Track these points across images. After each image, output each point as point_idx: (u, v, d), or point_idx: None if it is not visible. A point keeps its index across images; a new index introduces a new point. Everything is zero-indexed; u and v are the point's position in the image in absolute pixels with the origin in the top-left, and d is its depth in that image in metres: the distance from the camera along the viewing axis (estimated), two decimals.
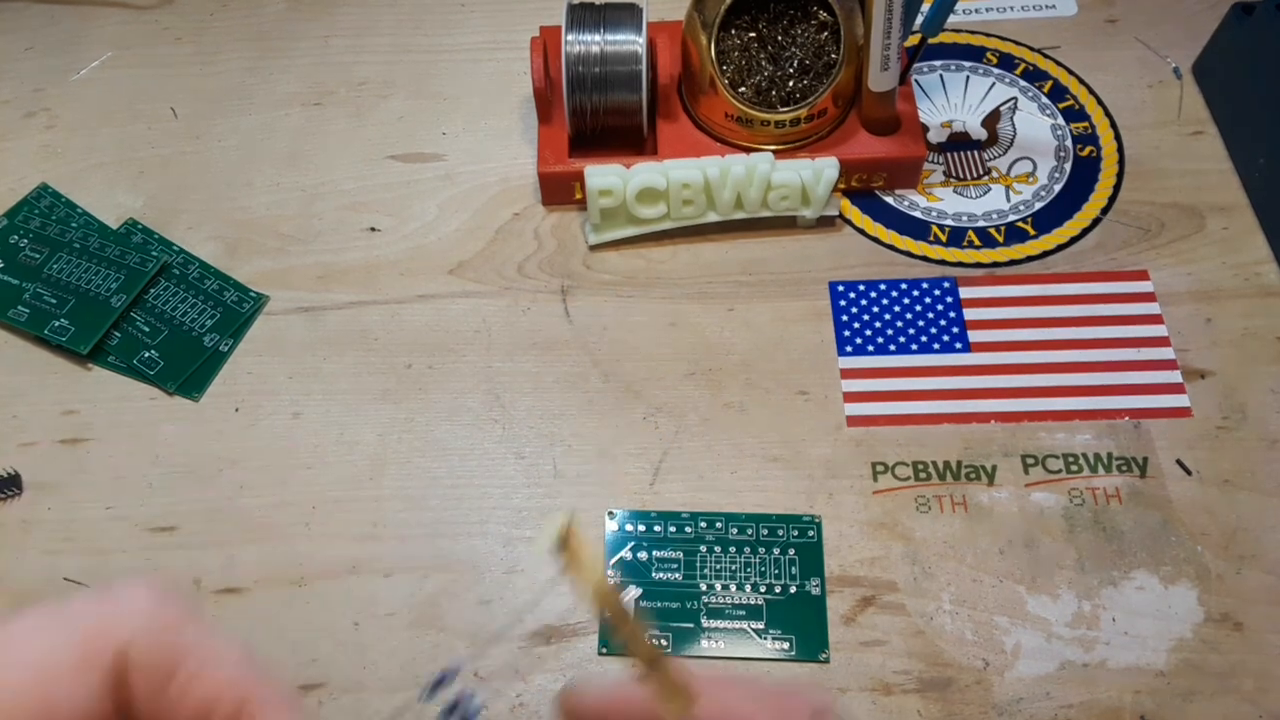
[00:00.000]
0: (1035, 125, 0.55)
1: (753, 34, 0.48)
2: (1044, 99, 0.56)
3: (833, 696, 0.38)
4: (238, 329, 0.49)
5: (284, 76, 0.59)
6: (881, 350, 0.48)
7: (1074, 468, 0.44)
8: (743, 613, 0.41)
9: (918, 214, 0.52)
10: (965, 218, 0.52)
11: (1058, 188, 0.53)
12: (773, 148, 0.50)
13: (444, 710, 0.24)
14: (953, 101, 0.56)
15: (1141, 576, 0.41)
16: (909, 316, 0.48)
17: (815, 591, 0.41)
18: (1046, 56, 0.58)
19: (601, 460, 0.45)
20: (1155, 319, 0.48)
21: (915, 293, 0.49)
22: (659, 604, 0.41)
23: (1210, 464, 0.44)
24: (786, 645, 0.40)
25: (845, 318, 0.49)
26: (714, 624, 0.41)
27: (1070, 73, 0.57)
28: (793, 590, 0.42)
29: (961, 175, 0.53)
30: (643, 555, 0.42)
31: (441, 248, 0.52)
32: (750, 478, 0.44)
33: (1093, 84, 0.56)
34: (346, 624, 0.42)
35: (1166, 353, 0.47)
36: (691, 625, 0.41)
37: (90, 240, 0.51)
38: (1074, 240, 0.51)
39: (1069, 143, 0.54)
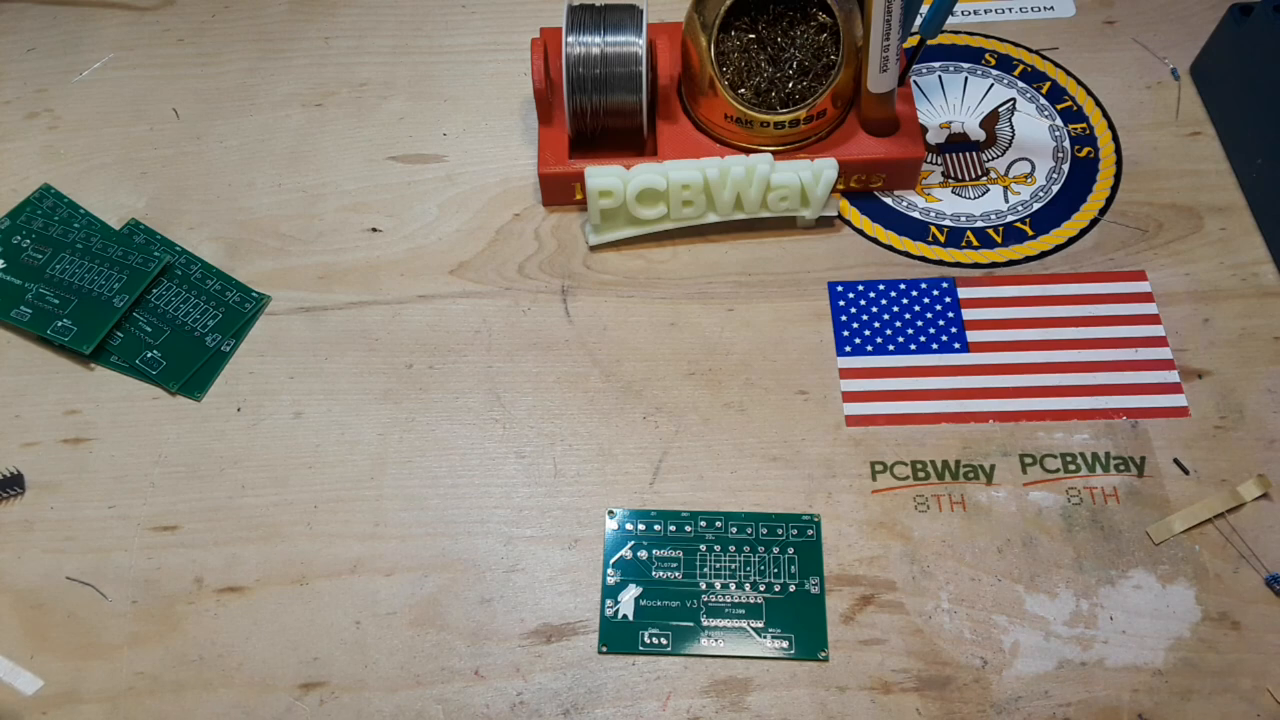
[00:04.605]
0: (1033, 126, 0.55)
1: (752, 35, 0.48)
2: (1042, 100, 0.56)
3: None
4: (239, 329, 0.49)
5: (285, 77, 0.59)
6: (880, 350, 0.48)
7: (1072, 467, 0.44)
8: (742, 611, 0.41)
9: (916, 214, 0.52)
10: (964, 218, 0.52)
11: (1056, 188, 0.53)
12: (772, 149, 0.50)
13: None
14: (951, 103, 0.56)
15: (1139, 575, 0.42)
16: (908, 317, 0.49)
17: (814, 590, 0.42)
18: (1045, 58, 0.58)
19: (601, 459, 0.45)
20: (1153, 319, 0.48)
21: (914, 293, 0.49)
22: (659, 603, 0.42)
23: (1208, 463, 0.44)
24: (786, 644, 0.41)
25: (844, 318, 0.49)
26: (714, 623, 0.41)
27: (1068, 74, 0.57)
28: (792, 589, 0.42)
29: (960, 176, 0.54)
30: (642, 554, 0.43)
31: (442, 248, 0.52)
32: (750, 477, 0.45)
33: (1091, 85, 0.56)
34: (348, 623, 0.42)
35: (1164, 353, 0.47)
36: (691, 624, 0.41)
37: (92, 241, 0.51)
38: (1072, 241, 0.51)
39: (1067, 143, 0.54)
